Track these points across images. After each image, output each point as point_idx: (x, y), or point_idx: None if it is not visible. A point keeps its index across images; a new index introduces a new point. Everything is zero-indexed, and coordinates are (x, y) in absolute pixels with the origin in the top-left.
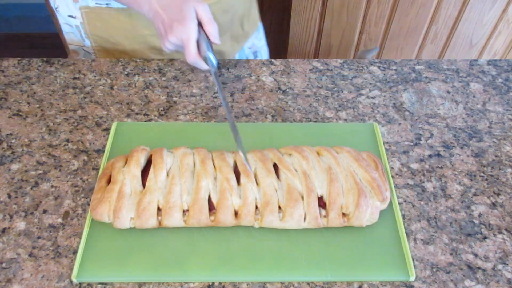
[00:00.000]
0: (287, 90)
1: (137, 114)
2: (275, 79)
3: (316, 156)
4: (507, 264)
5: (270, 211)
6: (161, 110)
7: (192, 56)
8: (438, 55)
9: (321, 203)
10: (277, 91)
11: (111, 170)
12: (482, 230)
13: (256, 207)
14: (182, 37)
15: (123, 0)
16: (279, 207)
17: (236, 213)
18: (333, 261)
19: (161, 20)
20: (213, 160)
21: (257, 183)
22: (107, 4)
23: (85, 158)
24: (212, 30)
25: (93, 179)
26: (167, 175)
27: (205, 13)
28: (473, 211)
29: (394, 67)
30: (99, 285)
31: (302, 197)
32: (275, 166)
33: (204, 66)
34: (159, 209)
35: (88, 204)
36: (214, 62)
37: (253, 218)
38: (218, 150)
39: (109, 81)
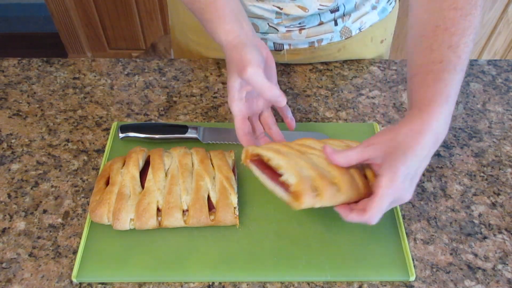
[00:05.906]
0: (287, 90)
1: (137, 114)
2: None
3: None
4: (507, 264)
5: None
6: (161, 110)
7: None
8: None
9: None
10: None
11: (109, 171)
12: (482, 230)
13: None
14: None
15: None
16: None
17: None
18: (333, 261)
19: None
20: (211, 160)
21: None
22: None
23: (85, 158)
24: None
25: (93, 179)
26: (166, 175)
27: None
28: (473, 211)
29: (394, 67)
30: (99, 285)
31: None
32: None
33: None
34: (158, 210)
35: (88, 204)
36: None
37: None
38: (216, 150)
39: (109, 81)
